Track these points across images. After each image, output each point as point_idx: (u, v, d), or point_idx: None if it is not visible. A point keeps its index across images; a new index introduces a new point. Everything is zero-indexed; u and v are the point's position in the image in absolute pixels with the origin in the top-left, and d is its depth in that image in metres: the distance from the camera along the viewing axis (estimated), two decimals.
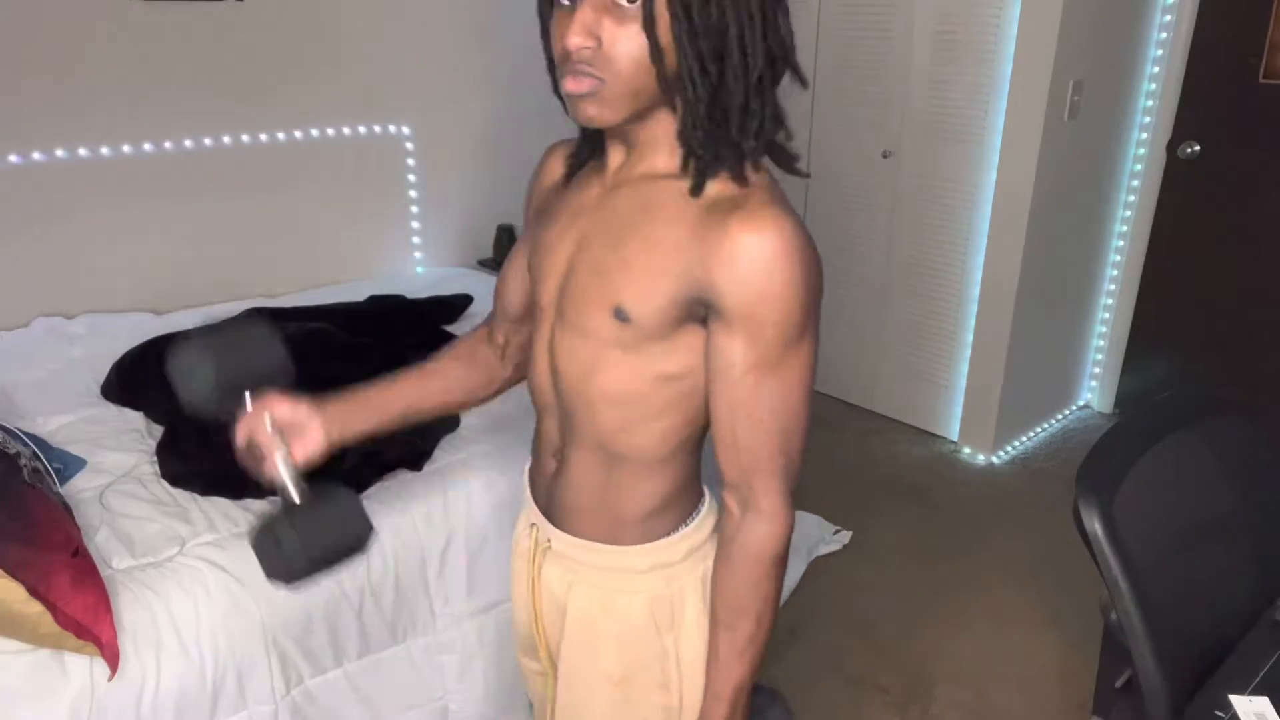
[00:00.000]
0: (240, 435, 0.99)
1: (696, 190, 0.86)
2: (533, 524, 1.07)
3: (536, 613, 1.08)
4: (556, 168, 1.04)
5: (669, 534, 0.98)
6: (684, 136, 0.86)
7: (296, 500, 0.94)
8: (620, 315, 0.87)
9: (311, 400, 1.03)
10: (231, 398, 0.97)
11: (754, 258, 0.81)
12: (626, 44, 0.81)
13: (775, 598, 0.92)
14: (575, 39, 0.81)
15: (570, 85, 0.84)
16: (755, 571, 0.90)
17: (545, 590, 1.06)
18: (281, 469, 0.96)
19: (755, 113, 0.85)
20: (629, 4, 0.80)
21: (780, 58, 0.87)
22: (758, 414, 0.86)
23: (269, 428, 0.97)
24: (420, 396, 1.13)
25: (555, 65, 0.86)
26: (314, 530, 0.92)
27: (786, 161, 0.91)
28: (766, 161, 0.89)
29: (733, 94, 0.83)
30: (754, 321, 0.82)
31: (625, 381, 0.90)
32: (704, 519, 1.00)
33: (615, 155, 0.92)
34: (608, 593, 1.00)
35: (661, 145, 0.88)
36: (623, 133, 0.89)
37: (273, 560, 0.92)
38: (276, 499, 0.97)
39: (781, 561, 0.91)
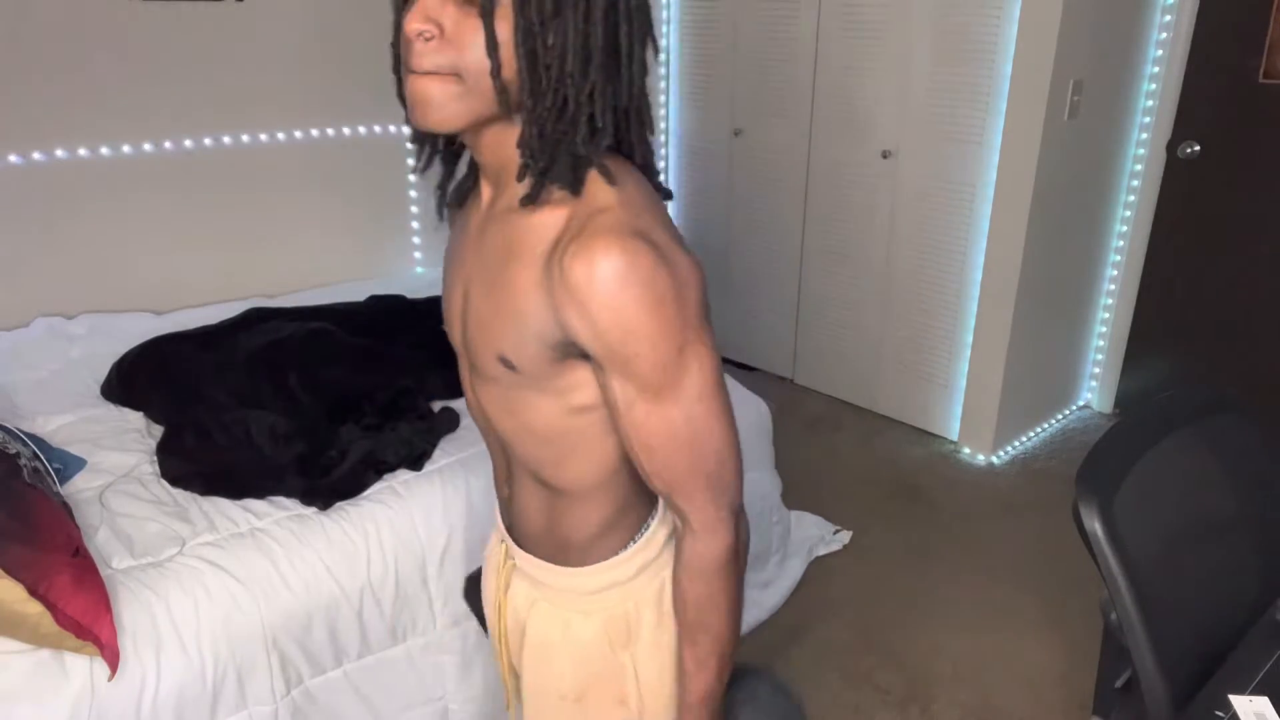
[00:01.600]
0: None
1: (527, 200, 0.79)
2: (502, 539, 1.07)
3: (501, 629, 1.09)
4: (453, 214, 0.99)
5: (617, 553, 0.96)
6: (520, 143, 0.79)
7: None
8: (506, 364, 0.84)
9: None
10: None
11: (594, 295, 0.74)
12: (473, 36, 0.74)
13: (729, 608, 0.90)
14: (415, 23, 0.74)
15: (413, 84, 0.78)
16: (699, 587, 0.88)
17: (510, 606, 1.06)
18: None
19: (584, 108, 0.77)
20: None
21: (631, 39, 0.78)
22: (658, 441, 0.81)
23: None
24: None
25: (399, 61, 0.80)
26: None
27: (645, 167, 0.85)
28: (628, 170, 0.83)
29: (569, 108, 0.77)
30: (619, 358, 0.77)
31: (544, 418, 0.88)
32: (654, 533, 0.97)
33: (486, 189, 0.87)
34: (565, 612, 0.99)
35: (517, 170, 0.81)
36: (481, 157, 0.84)
37: None
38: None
39: (726, 573, 0.88)
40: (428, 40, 0.75)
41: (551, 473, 0.92)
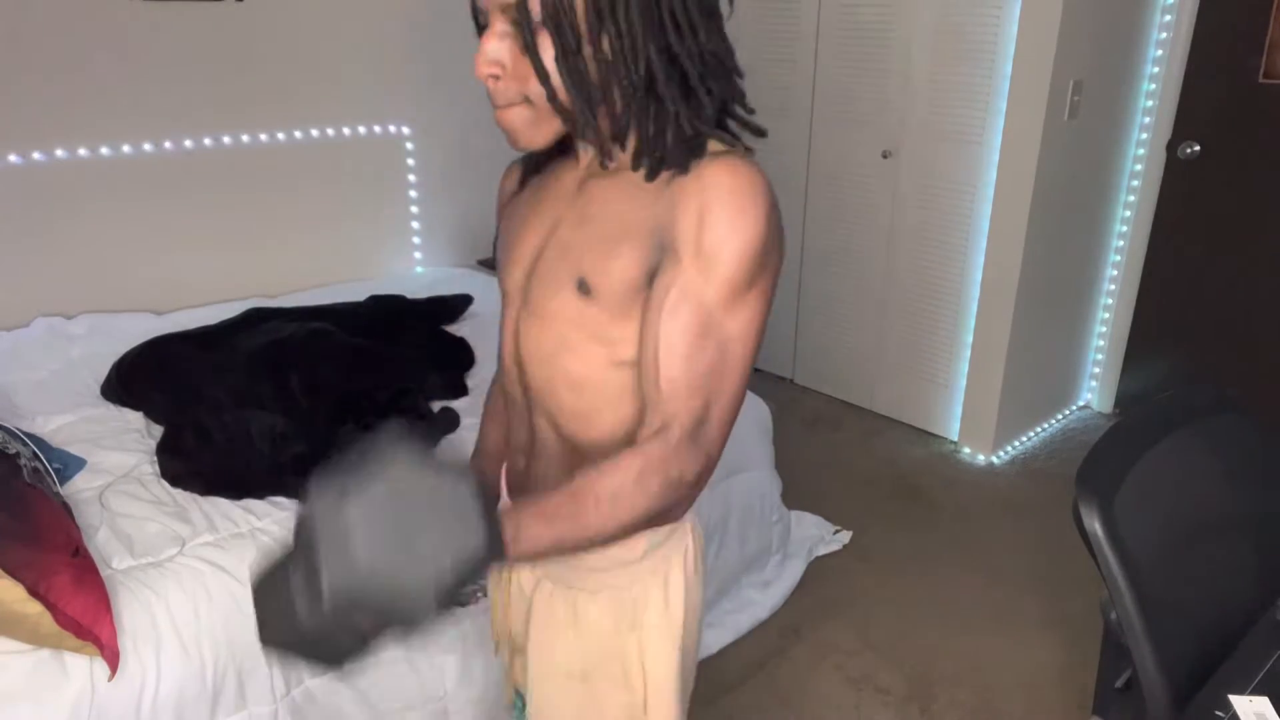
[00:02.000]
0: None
1: (651, 175, 0.85)
2: None
3: (506, 609, 1.10)
4: (512, 178, 1.05)
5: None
6: (634, 151, 0.87)
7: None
8: (582, 288, 0.86)
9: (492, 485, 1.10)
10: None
11: (720, 194, 0.80)
12: (530, 67, 0.82)
13: (627, 519, 0.82)
14: (482, 69, 0.83)
15: (500, 116, 0.86)
16: (631, 473, 0.81)
17: (515, 585, 1.07)
18: None
19: (660, 102, 0.83)
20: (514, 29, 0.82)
21: (687, 11, 0.83)
22: (685, 344, 0.81)
23: None
24: (501, 444, 1.17)
25: None
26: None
27: (746, 128, 0.90)
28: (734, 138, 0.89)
29: (648, 102, 0.84)
30: (706, 254, 0.80)
31: (585, 366, 0.90)
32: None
33: (585, 153, 0.92)
34: (570, 589, 1.00)
35: (623, 140, 0.88)
36: (582, 142, 0.90)
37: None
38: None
39: (661, 487, 0.82)
40: (496, 80, 0.84)
41: (576, 424, 0.93)
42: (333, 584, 0.66)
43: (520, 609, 1.07)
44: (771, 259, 0.83)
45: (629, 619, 0.98)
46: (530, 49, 0.80)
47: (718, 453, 0.86)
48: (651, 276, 0.83)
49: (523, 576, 1.05)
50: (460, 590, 0.70)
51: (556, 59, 0.80)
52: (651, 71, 0.82)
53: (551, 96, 0.82)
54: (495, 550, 0.73)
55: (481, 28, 0.86)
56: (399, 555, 0.67)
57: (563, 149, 0.96)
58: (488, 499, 0.74)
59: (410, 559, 0.67)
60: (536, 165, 1.00)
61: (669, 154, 0.84)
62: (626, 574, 0.98)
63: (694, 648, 1.04)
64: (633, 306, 0.85)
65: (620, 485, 0.81)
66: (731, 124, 0.89)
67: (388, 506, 0.68)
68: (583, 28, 0.80)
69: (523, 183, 1.02)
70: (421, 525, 0.68)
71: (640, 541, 0.97)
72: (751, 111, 0.91)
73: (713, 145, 0.85)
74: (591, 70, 0.81)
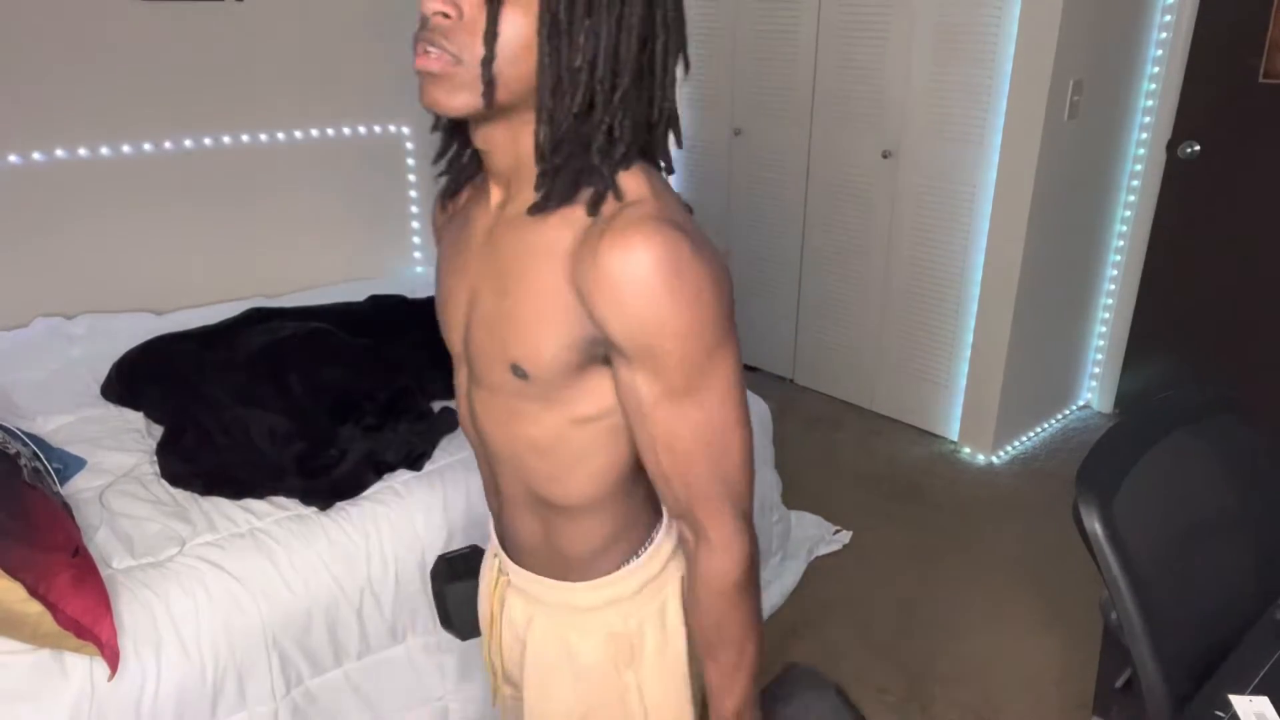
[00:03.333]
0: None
1: (535, 209, 0.76)
2: (495, 555, 1.04)
3: (499, 643, 1.06)
4: (441, 213, 0.97)
5: (618, 569, 0.93)
6: (539, 145, 0.76)
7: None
8: (518, 373, 0.81)
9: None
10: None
11: (629, 283, 0.71)
12: (493, 20, 0.71)
13: (751, 621, 0.87)
14: (433, 3, 0.72)
15: (418, 61, 0.74)
16: (719, 604, 0.85)
17: (507, 622, 1.03)
18: None
19: (616, 138, 0.76)
20: None
21: (666, 51, 0.76)
22: (681, 445, 0.79)
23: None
24: None
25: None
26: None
27: (665, 159, 0.83)
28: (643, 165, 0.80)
29: (594, 113, 0.75)
30: (651, 353, 0.74)
31: (543, 431, 0.85)
32: (657, 549, 0.95)
33: (495, 191, 0.84)
34: (563, 629, 0.97)
35: (533, 171, 0.79)
36: (490, 156, 0.81)
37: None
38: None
39: (745, 588, 0.85)
40: (445, 19, 0.73)
41: (549, 488, 0.89)
42: None
43: (514, 648, 1.03)
44: (719, 317, 0.75)
45: (626, 656, 0.95)
46: (493, 1, 0.71)
47: (752, 502, 0.86)
48: (586, 350, 0.78)
49: (514, 613, 1.01)
50: None
51: (543, 28, 0.71)
52: (620, 86, 0.74)
53: (488, 61, 0.72)
54: None
55: None
56: None
57: (471, 174, 0.90)
58: None
59: None
60: (454, 192, 0.93)
61: (561, 180, 0.76)
62: (619, 611, 0.94)
63: (700, 671, 1.01)
64: (578, 374, 0.80)
65: (723, 622, 0.86)
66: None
67: None
68: (579, 8, 0.72)
69: (445, 207, 0.95)
70: None
71: (635, 577, 0.94)
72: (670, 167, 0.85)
73: (626, 184, 0.77)
74: (575, 58, 0.73)
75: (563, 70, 0.73)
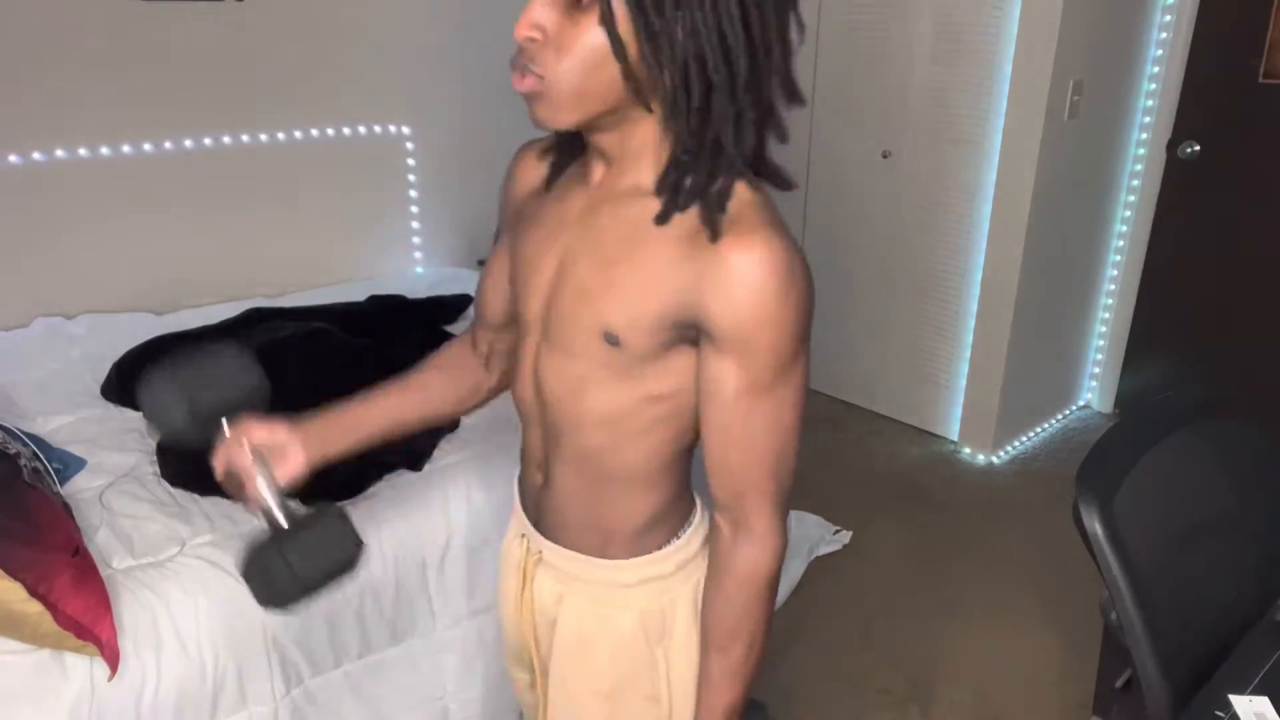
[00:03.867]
0: (219, 463, 0.97)
1: (663, 218, 0.80)
2: (523, 534, 1.05)
3: (529, 624, 1.06)
4: (531, 170, 0.98)
5: (660, 548, 0.96)
6: (672, 155, 0.81)
7: (283, 525, 0.92)
8: (610, 339, 0.84)
9: (290, 421, 1.02)
10: (208, 427, 0.97)
11: (747, 281, 0.77)
12: (575, 38, 0.75)
13: (767, 620, 0.90)
14: (522, 30, 0.76)
15: (513, 81, 0.79)
16: (747, 594, 0.88)
17: (537, 602, 1.04)
18: (264, 494, 0.93)
19: (747, 124, 0.78)
20: None
21: (771, 56, 0.78)
22: (750, 438, 0.83)
23: (248, 453, 0.95)
24: (403, 410, 1.10)
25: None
26: (303, 554, 0.90)
27: (776, 176, 0.85)
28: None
29: (716, 104, 0.77)
30: (747, 346, 0.79)
31: (613, 402, 0.87)
32: (695, 530, 0.98)
33: (597, 168, 0.87)
34: (599, 605, 0.98)
35: (646, 157, 0.83)
36: (599, 142, 0.84)
37: (264, 588, 0.91)
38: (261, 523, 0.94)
39: (773, 584, 0.89)
40: (532, 43, 0.77)
41: (604, 459, 0.91)
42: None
43: (544, 629, 1.04)
44: (808, 326, 0.82)
45: (657, 632, 0.97)
46: (606, 20, 0.74)
47: (789, 501, 0.89)
48: (680, 329, 0.82)
49: (543, 594, 1.02)
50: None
51: (640, 32, 0.74)
52: (736, 71, 0.76)
53: (628, 74, 0.76)
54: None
55: None
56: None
57: (575, 154, 0.92)
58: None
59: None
60: (561, 164, 0.94)
61: (689, 194, 0.80)
62: (658, 587, 0.97)
63: None
64: (666, 351, 0.84)
65: (744, 614, 0.89)
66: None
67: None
68: (667, 5, 0.73)
69: (548, 182, 0.95)
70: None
71: (675, 556, 0.97)
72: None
73: (739, 190, 0.80)
74: (672, 54, 0.75)
75: (672, 69, 0.75)
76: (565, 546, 0.98)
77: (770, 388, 0.81)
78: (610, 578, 0.97)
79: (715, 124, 0.78)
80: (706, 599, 0.92)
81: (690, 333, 0.82)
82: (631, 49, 0.75)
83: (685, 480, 0.96)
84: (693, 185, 0.80)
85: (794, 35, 0.80)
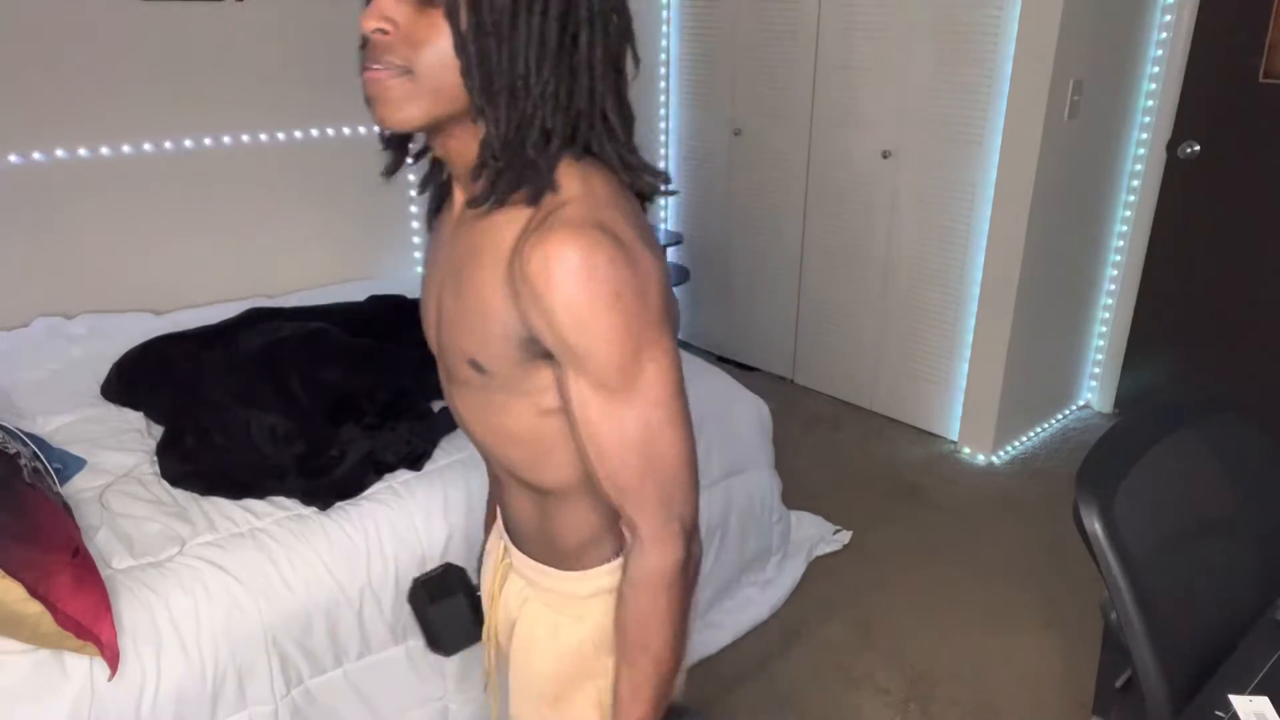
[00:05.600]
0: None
1: (474, 202, 0.78)
2: (501, 536, 1.07)
3: (494, 625, 1.09)
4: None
5: (608, 561, 0.95)
6: (482, 145, 0.78)
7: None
8: (475, 366, 0.83)
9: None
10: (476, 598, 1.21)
11: (549, 285, 0.73)
12: (427, 32, 0.74)
13: (673, 632, 0.86)
14: (371, 21, 0.74)
15: (367, 76, 0.77)
16: (643, 602, 0.84)
17: (503, 601, 1.05)
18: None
19: (538, 109, 0.76)
20: None
21: (592, 43, 0.76)
22: (609, 443, 0.79)
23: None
24: None
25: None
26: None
27: (639, 174, 0.82)
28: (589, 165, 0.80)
29: (516, 107, 0.75)
30: (573, 351, 0.76)
31: (517, 421, 0.87)
32: None
33: (458, 189, 0.86)
34: (555, 612, 0.98)
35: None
36: (446, 151, 0.83)
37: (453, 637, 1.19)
38: None
39: (671, 591, 0.84)
40: (384, 36, 0.75)
41: (530, 475, 0.91)
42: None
43: (505, 628, 1.05)
44: (646, 316, 0.76)
45: (608, 643, 0.95)
46: (452, 14, 0.72)
47: (693, 508, 0.85)
48: (528, 346, 0.79)
49: (511, 595, 1.03)
50: None
51: (469, 31, 0.73)
52: (544, 80, 0.75)
53: (466, 70, 0.74)
54: None
55: None
56: None
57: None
58: None
59: None
60: (439, 204, 0.95)
61: (505, 177, 0.77)
62: (608, 602, 0.95)
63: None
64: (531, 368, 0.82)
65: (644, 623, 0.85)
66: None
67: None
68: (502, 7, 0.73)
69: (429, 216, 0.96)
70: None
71: (620, 572, 0.94)
72: (645, 169, 0.83)
73: (564, 192, 0.77)
74: (500, 58, 0.74)
75: (492, 69, 0.74)
76: (528, 555, 1.00)
77: (618, 390, 0.77)
78: (565, 588, 0.97)
79: (523, 126, 0.76)
80: (614, 610, 0.90)
81: (538, 346, 0.79)
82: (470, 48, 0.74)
83: None
84: (499, 186, 0.77)
85: (629, 66, 0.80)
